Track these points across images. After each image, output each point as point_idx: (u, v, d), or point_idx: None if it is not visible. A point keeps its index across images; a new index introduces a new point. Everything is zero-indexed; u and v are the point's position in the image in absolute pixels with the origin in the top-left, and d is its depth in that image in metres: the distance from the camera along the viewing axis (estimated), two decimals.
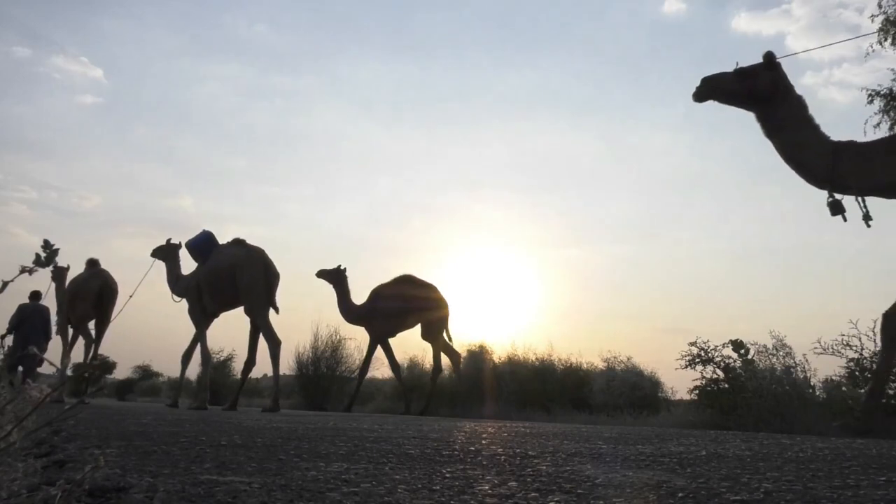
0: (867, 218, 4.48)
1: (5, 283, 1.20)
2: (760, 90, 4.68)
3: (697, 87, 4.83)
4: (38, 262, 1.20)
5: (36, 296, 9.72)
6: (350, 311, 9.95)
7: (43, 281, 10.74)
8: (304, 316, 23.24)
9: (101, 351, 10.00)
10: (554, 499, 1.43)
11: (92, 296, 9.42)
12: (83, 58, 45.06)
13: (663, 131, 40.83)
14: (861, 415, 4.52)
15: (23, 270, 1.18)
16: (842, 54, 36.63)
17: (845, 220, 4.51)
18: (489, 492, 1.51)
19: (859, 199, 4.49)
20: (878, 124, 9.77)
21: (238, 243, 8.76)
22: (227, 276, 8.46)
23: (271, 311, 8.55)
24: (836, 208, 4.50)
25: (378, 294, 9.84)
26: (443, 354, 10.05)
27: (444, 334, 9.86)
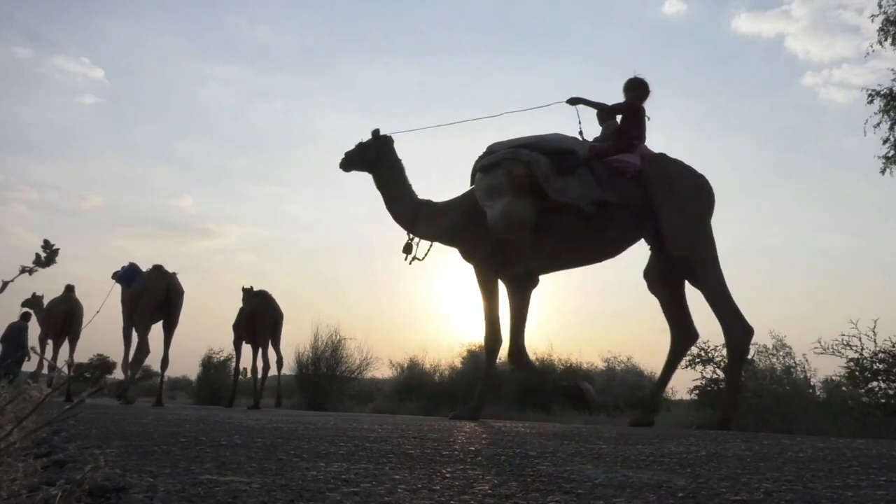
0: (415, 258, 5.93)
1: (5, 283, 1.20)
2: (370, 158, 6.13)
3: (341, 160, 6.25)
4: (38, 262, 1.20)
5: (25, 317, 11.57)
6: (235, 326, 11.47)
7: (43, 282, 11.52)
8: (305, 316, 23.22)
9: (100, 351, 11.62)
10: (554, 499, 1.43)
11: (61, 316, 11.22)
12: (84, 58, 45.17)
13: (663, 131, 40.81)
14: (475, 401, 5.63)
15: (23, 270, 1.18)
16: (842, 54, 36.63)
17: (411, 258, 5.91)
18: (489, 492, 1.51)
19: (419, 241, 5.93)
20: (878, 124, 9.75)
21: (155, 268, 10.03)
22: (141, 296, 9.82)
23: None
24: (407, 248, 5.94)
25: (242, 308, 11.17)
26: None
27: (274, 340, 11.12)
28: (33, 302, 11.66)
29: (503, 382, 10.86)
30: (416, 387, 12.25)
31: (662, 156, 5.47)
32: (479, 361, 11.72)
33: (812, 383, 6.77)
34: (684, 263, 5.21)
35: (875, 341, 6.03)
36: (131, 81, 47.44)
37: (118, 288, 10.42)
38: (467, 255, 5.82)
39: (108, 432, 3.01)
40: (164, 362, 10.10)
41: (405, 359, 13.05)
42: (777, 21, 40.25)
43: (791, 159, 40.64)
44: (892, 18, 9.65)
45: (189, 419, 4.49)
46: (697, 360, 7.05)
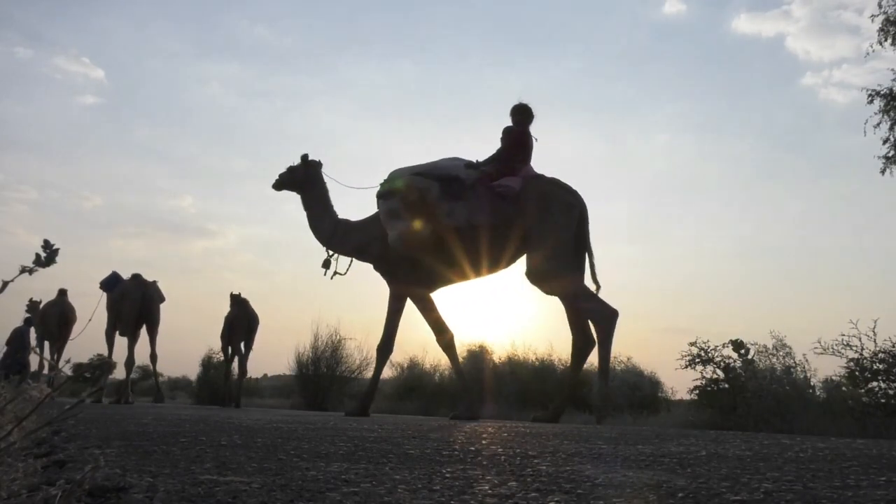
0: (336, 273, 6.36)
1: (5, 283, 1.20)
2: (298, 180, 6.60)
3: (275, 180, 6.65)
4: (38, 262, 1.20)
5: (28, 321, 12.00)
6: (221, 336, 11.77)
7: (43, 282, 11.72)
8: (304, 316, 23.23)
9: (98, 352, 11.96)
10: (554, 499, 1.43)
11: (54, 319, 11.75)
12: (84, 58, 45.01)
13: (663, 131, 40.80)
14: (471, 399, 6.19)
15: (23, 270, 1.18)
16: (842, 54, 36.54)
17: (332, 273, 6.33)
18: (489, 492, 1.51)
19: (339, 257, 6.38)
20: (878, 124, 9.74)
21: (133, 277, 10.61)
22: (120, 302, 10.47)
23: None
24: (326, 264, 6.36)
25: (226, 316, 11.45)
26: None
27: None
28: (32, 307, 12.15)
29: (504, 383, 10.87)
30: (416, 387, 12.23)
31: (539, 177, 6.05)
32: (480, 361, 11.75)
33: (812, 383, 6.78)
34: (535, 276, 5.73)
35: (875, 341, 6.03)
36: (131, 81, 47.29)
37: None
38: (378, 269, 6.32)
39: (108, 432, 3.01)
40: (153, 357, 10.60)
41: (405, 359, 13.03)
42: (777, 21, 40.14)
43: (791, 159, 40.54)
44: (892, 18, 9.63)
45: (189, 419, 4.49)
46: (697, 359, 7.04)
